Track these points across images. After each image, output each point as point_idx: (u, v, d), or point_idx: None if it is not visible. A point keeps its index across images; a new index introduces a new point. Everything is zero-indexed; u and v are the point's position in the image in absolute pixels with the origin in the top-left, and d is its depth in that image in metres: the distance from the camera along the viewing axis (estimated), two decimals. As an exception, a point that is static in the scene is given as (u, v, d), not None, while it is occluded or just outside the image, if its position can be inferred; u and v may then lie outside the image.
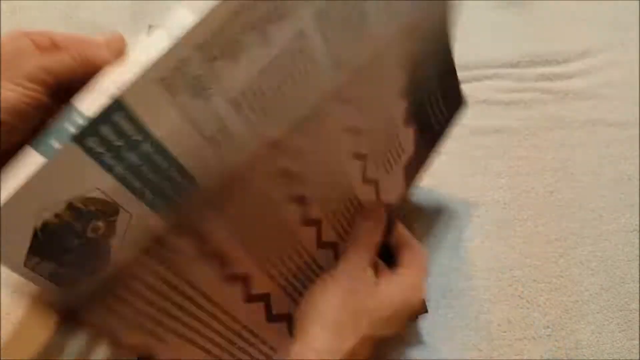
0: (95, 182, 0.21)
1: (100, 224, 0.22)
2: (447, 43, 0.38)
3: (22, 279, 0.21)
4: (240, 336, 0.32)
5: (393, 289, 0.34)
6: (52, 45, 0.22)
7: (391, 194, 0.39)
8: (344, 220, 0.36)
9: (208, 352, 0.30)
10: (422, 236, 0.45)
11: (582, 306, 0.42)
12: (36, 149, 0.19)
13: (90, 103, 0.20)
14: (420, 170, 0.42)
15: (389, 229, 0.38)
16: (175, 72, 0.21)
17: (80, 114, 0.20)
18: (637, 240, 0.45)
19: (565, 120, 0.50)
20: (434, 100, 0.41)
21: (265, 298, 0.33)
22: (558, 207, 0.46)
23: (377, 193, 0.38)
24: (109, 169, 0.21)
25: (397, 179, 0.40)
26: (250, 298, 0.32)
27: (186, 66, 0.21)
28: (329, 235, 0.35)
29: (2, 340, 0.26)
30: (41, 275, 0.22)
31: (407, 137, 0.39)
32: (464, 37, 0.55)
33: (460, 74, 0.52)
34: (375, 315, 0.33)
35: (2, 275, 0.21)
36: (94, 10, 0.57)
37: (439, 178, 0.47)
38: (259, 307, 0.33)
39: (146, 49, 0.20)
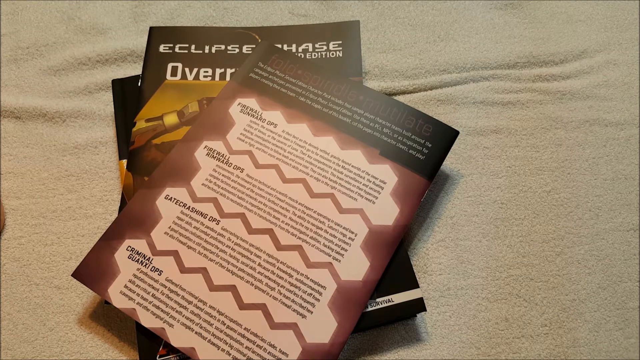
0: None
1: None
2: None
3: None
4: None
5: None
6: None
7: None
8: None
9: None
10: (420, 235, 0.45)
11: (579, 305, 0.42)
12: None
13: None
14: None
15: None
16: None
17: None
18: (634, 239, 0.45)
19: (563, 120, 0.51)
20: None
21: None
22: (555, 206, 0.46)
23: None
24: None
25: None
26: None
27: None
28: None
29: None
30: None
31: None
32: (461, 38, 0.56)
33: (458, 75, 0.53)
34: None
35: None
36: (94, 11, 0.57)
37: (437, 178, 0.48)
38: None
39: None
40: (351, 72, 0.50)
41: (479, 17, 0.57)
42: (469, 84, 0.52)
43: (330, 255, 0.40)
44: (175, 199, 0.42)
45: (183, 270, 0.39)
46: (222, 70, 0.50)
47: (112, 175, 0.48)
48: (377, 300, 0.40)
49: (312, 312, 0.38)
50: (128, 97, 0.49)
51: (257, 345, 0.37)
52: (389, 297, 0.40)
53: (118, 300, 0.39)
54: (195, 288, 0.39)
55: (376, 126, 0.45)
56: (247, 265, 0.39)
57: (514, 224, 0.46)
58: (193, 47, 0.51)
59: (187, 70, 0.50)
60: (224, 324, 0.38)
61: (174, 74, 0.50)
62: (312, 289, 0.39)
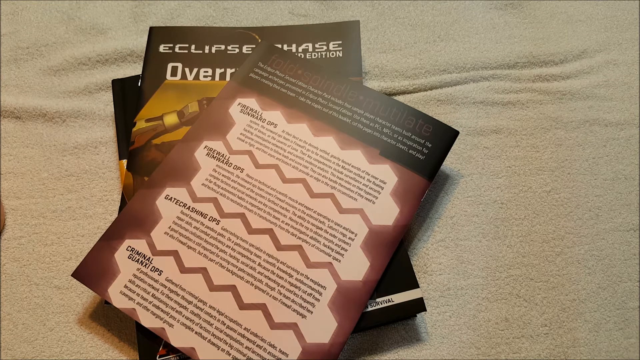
0: None
1: None
2: None
3: None
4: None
5: None
6: None
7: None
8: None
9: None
10: (420, 235, 0.45)
11: (579, 305, 0.42)
12: None
13: None
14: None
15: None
16: None
17: None
18: (634, 239, 0.45)
19: (563, 120, 0.51)
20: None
21: None
22: (555, 206, 0.46)
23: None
24: None
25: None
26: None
27: None
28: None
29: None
30: None
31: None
32: (461, 38, 0.56)
33: (458, 75, 0.53)
34: None
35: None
36: (94, 11, 0.57)
37: (437, 178, 0.48)
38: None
39: None
40: (351, 72, 0.50)
41: (479, 17, 0.57)
42: (469, 84, 0.52)
43: (330, 255, 0.40)
44: (175, 199, 0.42)
45: (183, 270, 0.39)
46: (222, 70, 0.50)
47: (112, 175, 0.48)
48: (377, 300, 0.40)
49: (312, 312, 0.38)
50: (128, 97, 0.49)
51: (257, 345, 0.37)
52: (389, 297, 0.40)
53: (118, 300, 0.39)
54: (195, 288, 0.39)
55: (376, 126, 0.45)
56: (247, 265, 0.39)
57: (514, 224, 0.46)
58: (193, 47, 0.51)
59: (187, 70, 0.50)
60: (224, 324, 0.38)
61: (174, 74, 0.50)
62: (312, 289, 0.39)
